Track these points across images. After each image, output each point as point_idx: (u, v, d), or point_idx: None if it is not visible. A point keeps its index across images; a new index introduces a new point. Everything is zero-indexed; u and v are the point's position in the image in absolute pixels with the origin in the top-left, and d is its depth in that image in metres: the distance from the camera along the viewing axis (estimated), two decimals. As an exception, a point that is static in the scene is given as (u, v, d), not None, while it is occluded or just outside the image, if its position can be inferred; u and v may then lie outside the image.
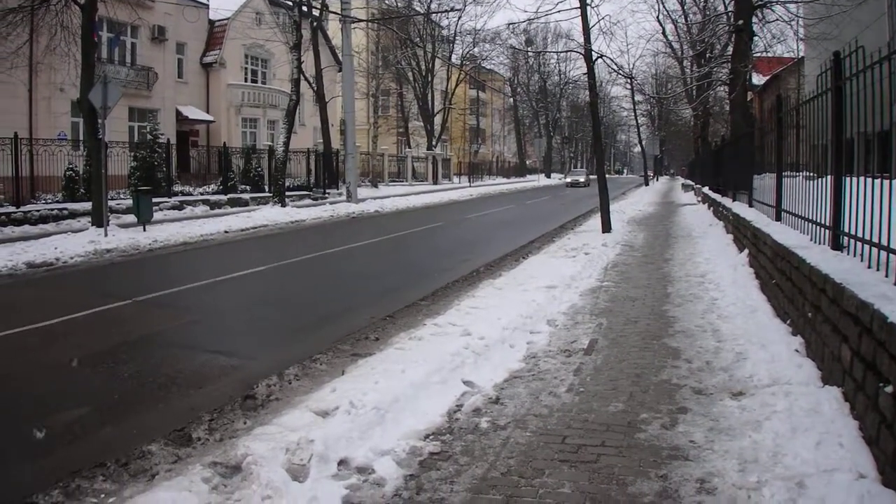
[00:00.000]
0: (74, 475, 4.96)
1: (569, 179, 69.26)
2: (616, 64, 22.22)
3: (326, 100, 43.03)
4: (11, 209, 22.48)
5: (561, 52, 68.98)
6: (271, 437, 5.22)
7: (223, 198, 31.08)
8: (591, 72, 20.44)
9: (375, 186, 48.37)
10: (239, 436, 5.57)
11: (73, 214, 23.68)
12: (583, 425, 5.54)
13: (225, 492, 4.59)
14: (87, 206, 22.31)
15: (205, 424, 5.88)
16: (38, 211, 23.07)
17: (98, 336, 9.25)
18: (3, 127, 24.95)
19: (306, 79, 38.07)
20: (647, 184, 66.72)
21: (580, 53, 22.84)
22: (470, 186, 57.60)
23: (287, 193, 32.25)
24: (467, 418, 5.79)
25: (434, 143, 64.09)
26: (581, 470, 4.73)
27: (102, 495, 4.77)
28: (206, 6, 43.12)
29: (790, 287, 7.50)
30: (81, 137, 29.18)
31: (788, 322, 7.61)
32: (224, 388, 6.94)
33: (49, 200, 24.84)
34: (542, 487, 4.51)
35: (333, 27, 49.30)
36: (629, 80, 36.28)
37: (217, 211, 29.34)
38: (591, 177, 77.11)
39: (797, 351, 6.67)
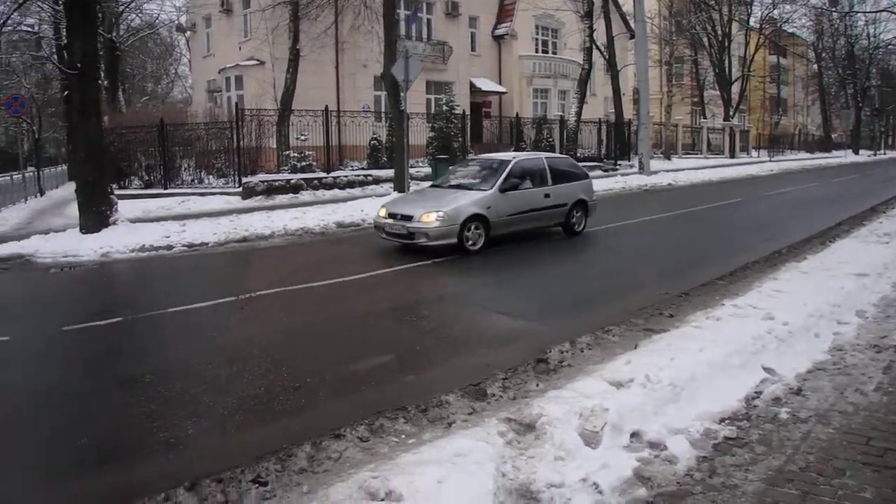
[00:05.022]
0: (379, 415, 5.48)
1: (383, 213, 13.82)
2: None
3: (618, 68, 42.43)
4: (323, 175, 24.58)
5: (871, 11, 62.60)
6: (565, 401, 5.36)
7: (513, 166, 31.67)
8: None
9: (668, 159, 47.02)
10: (532, 396, 5.80)
11: (377, 180, 25.29)
12: (890, 428, 5.17)
13: (518, 447, 4.81)
14: (389, 172, 23.87)
15: (499, 382, 6.19)
16: (345, 177, 24.96)
17: (402, 291, 10.19)
18: (315, 101, 27.11)
19: (598, 47, 37.73)
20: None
21: (894, 13, 20.88)
22: (769, 161, 54.09)
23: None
24: (766, 406, 5.60)
25: (731, 113, 61.02)
26: (885, 475, 4.44)
27: (403, 436, 5.26)
28: (498, -21, 43.82)
29: None
30: (383, 109, 31.02)
31: None
32: (517, 349, 7.22)
33: (355, 167, 26.87)
34: (841, 488, 4.30)
35: (626, -7, 48.41)
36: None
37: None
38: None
39: None
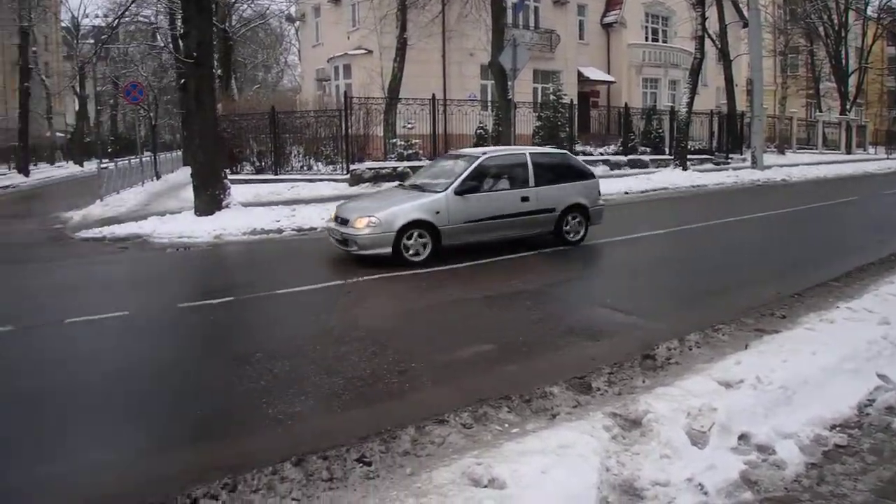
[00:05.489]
0: (482, 402, 5.56)
1: (333, 214, 12.75)
2: None
3: (731, 58, 41.23)
4: (428, 164, 24.52)
5: None
6: (673, 398, 5.32)
7: (623, 158, 31.26)
8: None
9: (782, 153, 45.39)
10: (638, 392, 5.76)
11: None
12: None
13: (623, 443, 4.82)
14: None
15: (604, 376, 6.15)
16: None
17: (508, 280, 10.22)
18: (422, 90, 27.32)
19: (710, 36, 36.66)
20: None
21: None
22: (888, 158, 51.44)
23: (688, 156, 31.62)
24: (879, 415, 5.43)
25: (848, 107, 58.64)
26: None
27: (506, 425, 5.30)
28: (601, -34, 43.12)
29: None
30: (489, 98, 31.00)
31: None
32: (622, 344, 7.17)
33: (461, 157, 26.75)
34: (953, 504, 4.15)
35: (738, -20, 46.92)
36: None
37: (616, 171, 29.57)
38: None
39: None
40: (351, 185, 22.57)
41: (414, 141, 25.47)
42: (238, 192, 18.06)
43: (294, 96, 39.17)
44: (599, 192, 13.54)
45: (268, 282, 10.38)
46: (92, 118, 67.14)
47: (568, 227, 12.80)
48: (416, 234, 11.25)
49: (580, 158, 28.37)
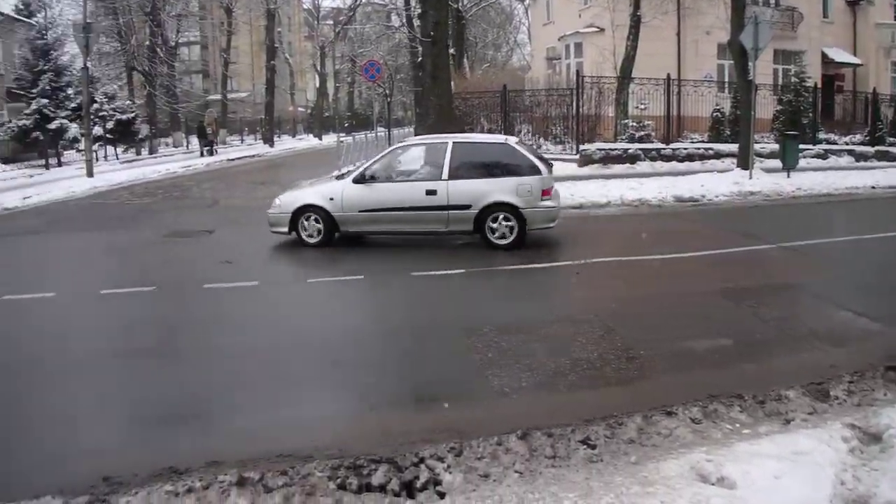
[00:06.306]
0: (713, 399, 5.41)
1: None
2: None
3: None
4: (661, 146, 24.20)
5: None
6: (917, 415, 4.99)
7: (869, 149, 28.86)
8: None
9: None
10: (879, 405, 5.43)
11: (718, 155, 24.32)
12: None
13: (861, 457, 4.57)
14: (732, 147, 22.91)
15: (844, 385, 5.80)
16: (684, 149, 24.28)
17: (743, 275, 9.83)
18: (654, 69, 26.54)
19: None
20: None
21: None
22: None
23: (941, 152, 28.79)
24: None
25: None
26: None
27: (737, 424, 5.13)
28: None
29: None
30: (727, 79, 29.78)
31: None
32: (865, 351, 6.71)
33: (695, 140, 25.98)
34: None
35: None
36: None
37: (862, 163, 27.18)
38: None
39: None
40: (580, 165, 22.44)
41: (646, 122, 24.94)
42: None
43: (523, 75, 39.47)
44: (538, 191, 11.36)
45: (498, 258, 10.68)
46: (330, 94, 71.00)
47: (497, 229, 11.31)
48: (309, 218, 11.68)
49: (823, 147, 27.06)
